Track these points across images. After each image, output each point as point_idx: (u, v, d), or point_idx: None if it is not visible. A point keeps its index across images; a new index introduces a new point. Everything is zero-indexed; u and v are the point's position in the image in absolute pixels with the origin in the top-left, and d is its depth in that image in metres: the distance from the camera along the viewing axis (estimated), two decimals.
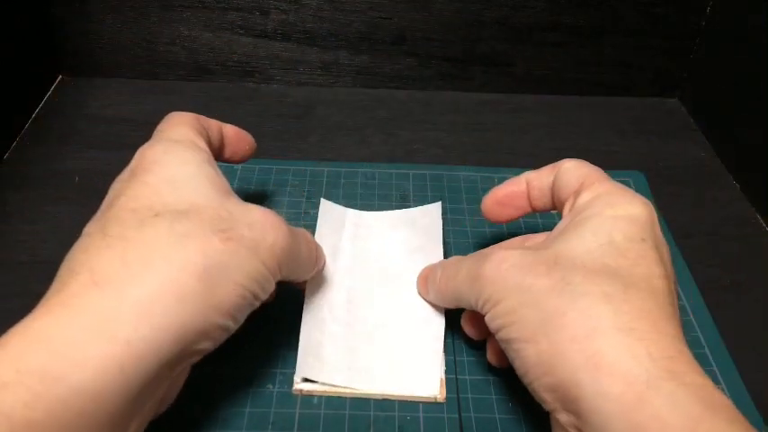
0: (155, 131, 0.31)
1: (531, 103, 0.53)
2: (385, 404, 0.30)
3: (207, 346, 0.25)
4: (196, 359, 0.25)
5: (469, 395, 0.31)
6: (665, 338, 0.23)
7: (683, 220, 0.42)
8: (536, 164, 0.46)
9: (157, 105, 0.50)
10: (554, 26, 0.50)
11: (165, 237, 0.24)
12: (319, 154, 0.46)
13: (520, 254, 0.26)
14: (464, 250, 0.38)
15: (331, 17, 0.50)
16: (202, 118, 0.32)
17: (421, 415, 0.30)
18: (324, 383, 0.31)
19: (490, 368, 0.32)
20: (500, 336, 0.26)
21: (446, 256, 0.36)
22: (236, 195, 0.28)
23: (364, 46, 0.51)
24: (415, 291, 0.34)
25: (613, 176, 0.44)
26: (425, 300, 0.34)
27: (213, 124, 0.33)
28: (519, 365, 0.25)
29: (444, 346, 0.32)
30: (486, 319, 0.27)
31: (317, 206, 0.39)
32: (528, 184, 0.33)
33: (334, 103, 0.51)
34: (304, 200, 0.41)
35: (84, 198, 0.41)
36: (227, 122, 0.48)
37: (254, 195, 0.41)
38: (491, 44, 0.51)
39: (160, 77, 0.52)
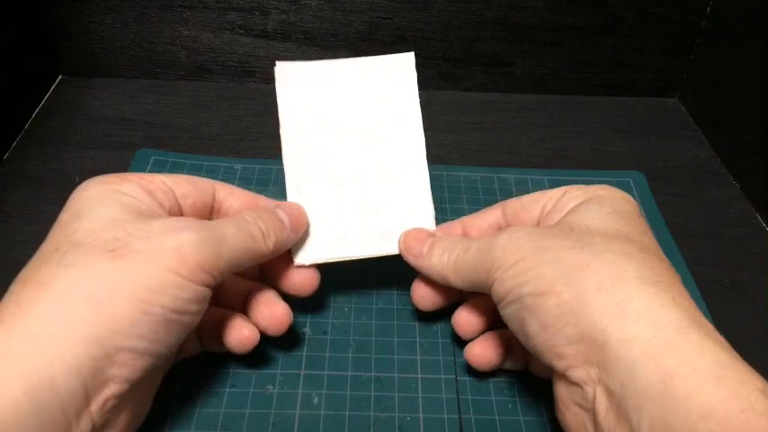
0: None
1: (531, 103, 0.53)
2: (385, 404, 0.30)
3: (123, 372, 0.23)
4: (120, 389, 0.23)
5: (469, 396, 0.31)
6: (685, 295, 0.24)
7: (683, 220, 0.42)
8: (536, 164, 0.47)
9: (157, 105, 0.50)
10: (554, 26, 0.50)
11: (53, 271, 0.24)
12: None
13: (532, 227, 0.28)
14: None
15: (331, 17, 0.50)
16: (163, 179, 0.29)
17: (421, 415, 0.30)
18: (323, 260, 0.32)
19: (490, 370, 0.32)
20: (511, 297, 0.26)
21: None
22: (162, 217, 0.27)
23: (364, 46, 0.51)
24: (389, 143, 0.33)
25: (613, 176, 0.45)
26: (416, 264, 0.32)
27: (202, 184, 0.31)
28: (534, 322, 0.25)
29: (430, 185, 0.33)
30: (495, 287, 0.26)
31: None
32: (464, 226, 0.33)
33: None
34: None
35: None
36: (228, 122, 0.49)
37: None
38: (491, 44, 0.51)
39: (160, 77, 0.52)
